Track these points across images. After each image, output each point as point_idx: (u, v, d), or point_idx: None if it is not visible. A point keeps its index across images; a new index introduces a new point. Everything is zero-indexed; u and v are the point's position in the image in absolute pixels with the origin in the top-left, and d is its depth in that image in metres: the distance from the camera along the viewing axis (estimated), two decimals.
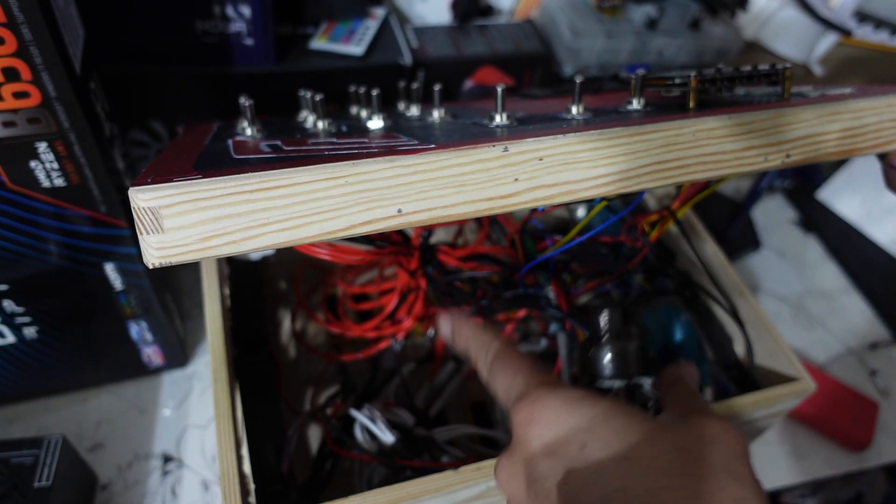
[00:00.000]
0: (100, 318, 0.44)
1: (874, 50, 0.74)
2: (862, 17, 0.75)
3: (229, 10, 0.44)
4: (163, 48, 0.46)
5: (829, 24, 0.66)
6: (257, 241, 0.23)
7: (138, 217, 0.21)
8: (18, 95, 0.30)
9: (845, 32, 0.67)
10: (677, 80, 0.32)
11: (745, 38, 0.68)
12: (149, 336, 0.47)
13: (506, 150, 0.24)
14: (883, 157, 0.34)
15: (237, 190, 0.22)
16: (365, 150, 0.25)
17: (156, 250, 0.22)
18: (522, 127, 0.29)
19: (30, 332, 0.42)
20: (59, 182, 0.34)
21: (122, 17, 0.43)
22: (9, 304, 0.40)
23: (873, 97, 0.30)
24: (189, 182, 0.22)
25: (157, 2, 0.43)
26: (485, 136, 0.28)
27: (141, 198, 0.21)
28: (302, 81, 0.49)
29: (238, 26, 0.45)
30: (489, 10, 0.63)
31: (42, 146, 0.33)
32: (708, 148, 0.27)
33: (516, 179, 0.25)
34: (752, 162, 0.29)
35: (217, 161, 0.26)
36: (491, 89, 0.58)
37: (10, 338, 0.42)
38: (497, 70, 0.57)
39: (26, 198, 0.35)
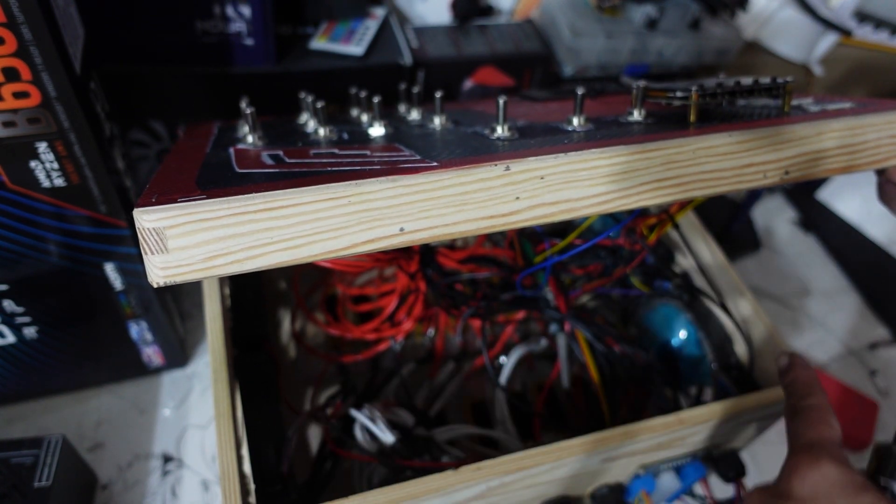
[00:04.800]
0: (100, 318, 0.44)
1: (874, 50, 0.74)
2: (862, 17, 0.75)
3: (229, 10, 0.44)
4: (163, 48, 0.46)
5: (829, 24, 0.66)
6: (260, 260, 0.23)
7: (143, 237, 0.22)
8: (18, 95, 0.30)
9: (845, 32, 0.67)
10: (679, 94, 0.32)
11: (745, 38, 0.68)
12: (149, 336, 0.47)
13: (507, 169, 0.25)
14: (881, 172, 0.34)
15: (241, 210, 0.22)
16: (367, 168, 0.25)
17: (160, 270, 0.22)
18: (523, 141, 0.29)
19: (30, 332, 0.42)
20: (59, 182, 0.34)
21: (122, 17, 0.43)
22: (9, 304, 0.40)
23: (872, 114, 0.30)
24: (193, 203, 0.22)
25: (157, 2, 0.43)
26: (486, 149, 0.28)
27: (146, 219, 0.21)
28: (302, 81, 0.49)
29: (238, 26, 0.45)
30: (489, 10, 0.63)
31: (42, 146, 0.33)
32: (708, 165, 0.28)
33: (517, 198, 0.25)
34: (751, 179, 0.29)
35: (220, 176, 0.26)
36: (491, 89, 0.58)
37: (10, 338, 0.42)
38: (497, 70, 0.57)
39: (26, 198, 0.35)
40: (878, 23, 0.75)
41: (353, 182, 0.23)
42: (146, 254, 0.22)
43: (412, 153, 0.28)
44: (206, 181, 0.25)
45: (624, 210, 0.27)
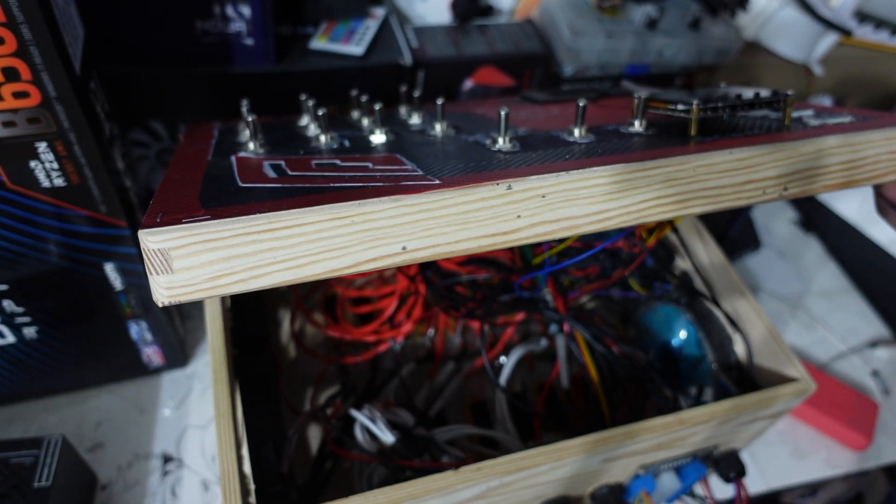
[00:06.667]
0: (100, 318, 0.44)
1: (874, 50, 0.74)
2: (862, 17, 0.75)
3: (229, 10, 0.44)
4: (163, 48, 0.46)
5: (829, 24, 0.66)
6: (264, 279, 0.23)
7: (148, 258, 0.22)
8: (18, 95, 0.30)
9: (845, 32, 0.67)
10: (680, 107, 0.32)
11: (745, 38, 0.68)
12: (149, 336, 0.47)
13: (509, 188, 0.25)
14: (878, 186, 0.34)
15: (245, 231, 0.22)
16: (369, 184, 0.26)
17: (165, 290, 0.22)
18: (525, 154, 0.30)
19: (30, 332, 0.42)
20: (59, 182, 0.34)
21: (122, 17, 0.43)
22: (9, 304, 0.40)
23: (871, 130, 0.31)
24: (197, 224, 0.22)
25: (156, 2, 0.43)
26: (487, 162, 0.28)
27: (151, 240, 0.21)
28: (302, 81, 0.49)
29: (238, 26, 0.45)
30: (489, 10, 0.63)
31: (42, 146, 0.33)
32: (708, 183, 0.28)
33: (519, 216, 0.25)
34: (750, 195, 0.29)
35: (223, 191, 0.26)
36: (491, 89, 0.58)
37: (10, 338, 0.42)
38: (497, 70, 0.57)
39: (26, 198, 0.35)
40: (879, 23, 0.75)
41: (356, 202, 0.23)
42: (151, 274, 0.22)
43: (414, 167, 0.28)
44: (210, 197, 0.25)
45: (624, 227, 0.27)
